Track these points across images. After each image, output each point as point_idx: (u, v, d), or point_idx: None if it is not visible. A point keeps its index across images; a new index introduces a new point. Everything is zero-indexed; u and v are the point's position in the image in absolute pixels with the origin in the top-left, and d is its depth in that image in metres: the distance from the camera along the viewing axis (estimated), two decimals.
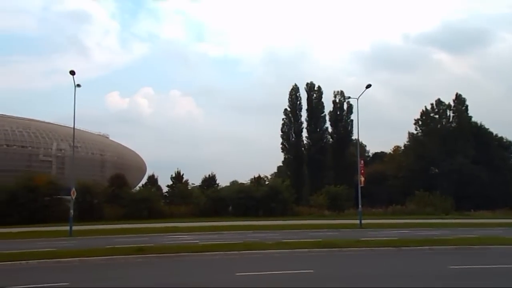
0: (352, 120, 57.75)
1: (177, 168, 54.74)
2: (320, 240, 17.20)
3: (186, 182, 53.23)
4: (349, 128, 58.53)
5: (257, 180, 51.36)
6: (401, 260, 13.48)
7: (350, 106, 57.66)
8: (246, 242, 17.12)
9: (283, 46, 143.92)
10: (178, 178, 53.73)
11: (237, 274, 10.81)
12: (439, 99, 60.11)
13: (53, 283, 10.32)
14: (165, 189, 53.69)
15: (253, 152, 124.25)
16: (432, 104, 60.40)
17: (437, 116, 60.37)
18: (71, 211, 26.49)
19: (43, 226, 30.36)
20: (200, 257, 13.87)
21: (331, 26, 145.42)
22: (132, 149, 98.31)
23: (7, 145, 72.97)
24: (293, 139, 58.64)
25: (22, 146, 74.91)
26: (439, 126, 59.73)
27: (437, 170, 57.78)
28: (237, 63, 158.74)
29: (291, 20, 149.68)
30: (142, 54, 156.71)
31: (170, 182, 53.74)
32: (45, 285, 10.15)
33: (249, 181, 52.41)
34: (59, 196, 38.77)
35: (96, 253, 14.25)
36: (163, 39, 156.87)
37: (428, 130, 59.97)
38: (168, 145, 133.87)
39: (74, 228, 24.89)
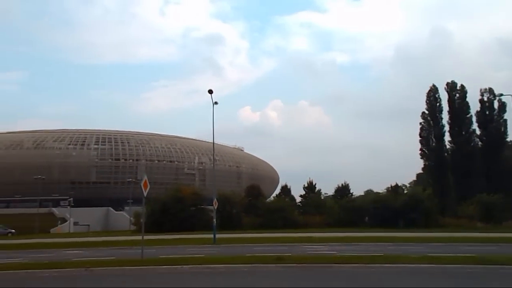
0: (505, 120, 51.52)
1: (309, 178, 54.93)
2: (475, 255, 15.09)
3: (319, 192, 53.07)
4: (502, 129, 52.03)
5: (394, 189, 48.80)
6: None
7: (502, 105, 51.20)
8: (388, 254, 15.96)
9: (416, 43, 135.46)
10: (310, 187, 53.79)
11: None
12: None
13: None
14: (298, 199, 54.31)
15: (387, 159, 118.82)
16: None
17: None
18: (214, 220, 28.41)
19: (190, 234, 33.06)
20: (339, 269, 13.32)
21: (472, 13, 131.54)
22: (265, 160, 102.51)
23: (158, 161, 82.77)
24: (433, 144, 53.94)
25: (170, 161, 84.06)
26: None
27: None
28: (366, 68, 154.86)
29: (423, 13, 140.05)
30: (270, 68, 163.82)
31: (303, 192, 54.15)
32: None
33: (385, 190, 50.05)
34: (202, 206, 42.08)
35: (239, 260, 14.84)
36: (290, 52, 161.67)
37: None
38: (299, 154, 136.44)
39: (217, 236, 26.44)
